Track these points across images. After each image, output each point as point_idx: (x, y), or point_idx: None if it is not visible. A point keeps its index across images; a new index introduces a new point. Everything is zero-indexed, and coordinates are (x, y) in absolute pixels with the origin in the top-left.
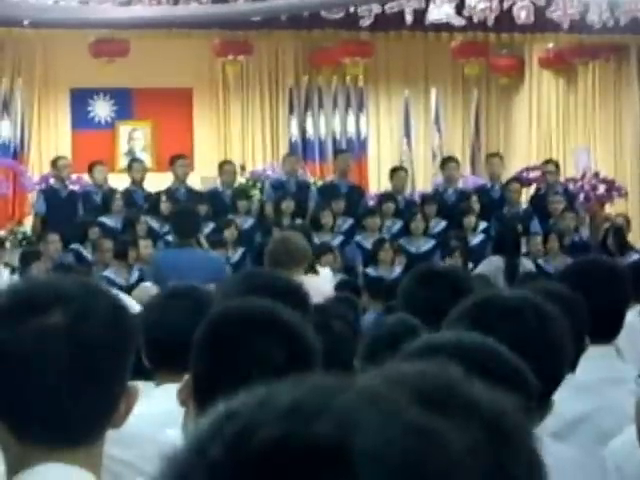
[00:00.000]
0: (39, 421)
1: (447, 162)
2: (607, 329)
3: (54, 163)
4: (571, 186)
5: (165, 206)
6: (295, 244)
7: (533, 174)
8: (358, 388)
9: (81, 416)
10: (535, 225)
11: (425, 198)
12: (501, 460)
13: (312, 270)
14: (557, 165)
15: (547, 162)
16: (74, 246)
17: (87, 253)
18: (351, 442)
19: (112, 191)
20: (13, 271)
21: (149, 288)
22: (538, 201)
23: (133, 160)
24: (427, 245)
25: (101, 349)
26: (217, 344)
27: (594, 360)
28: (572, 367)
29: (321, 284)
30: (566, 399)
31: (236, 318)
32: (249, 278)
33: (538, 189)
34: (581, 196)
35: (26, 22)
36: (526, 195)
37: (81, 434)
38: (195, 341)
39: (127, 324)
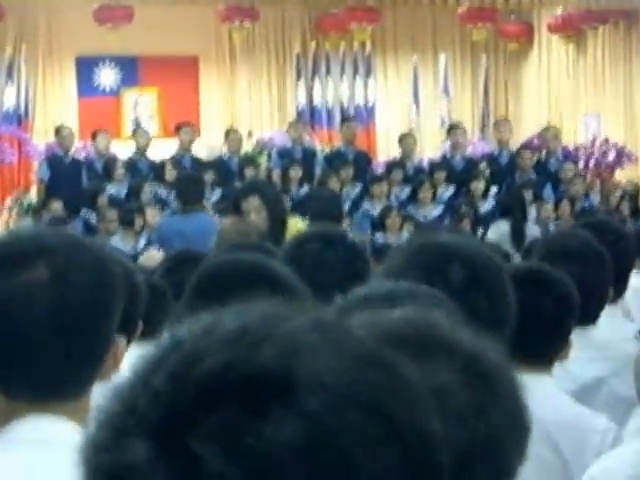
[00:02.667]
0: (25, 375)
1: (453, 129)
2: (613, 289)
3: (57, 132)
4: (581, 152)
5: (170, 174)
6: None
7: (537, 141)
8: (306, 316)
9: (67, 370)
10: (547, 191)
11: (433, 165)
12: (481, 403)
13: None
14: (556, 131)
15: (547, 129)
16: (83, 213)
17: (95, 220)
18: (295, 370)
19: (113, 159)
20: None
21: (155, 254)
22: (541, 167)
23: (137, 127)
24: (435, 212)
25: (86, 302)
26: (205, 296)
27: (602, 319)
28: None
29: None
30: (582, 360)
31: (224, 271)
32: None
33: (539, 155)
34: (591, 162)
35: None
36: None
37: (68, 388)
38: (185, 294)
39: (112, 277)
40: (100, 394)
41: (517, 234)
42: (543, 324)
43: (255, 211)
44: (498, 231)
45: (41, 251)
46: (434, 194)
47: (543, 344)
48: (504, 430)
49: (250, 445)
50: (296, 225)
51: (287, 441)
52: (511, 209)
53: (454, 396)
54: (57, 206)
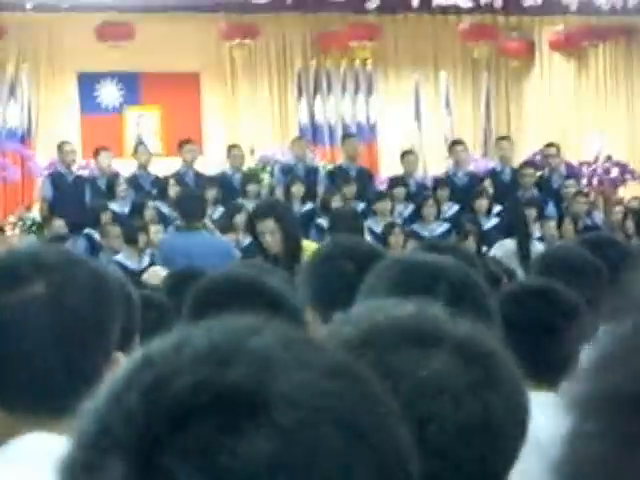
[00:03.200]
0: (23, 390)
1: (454, 145)
2: None
3: (59, 148)
4: (584, 169)
5: (173, 190)
6: None
7: (539, 158)
8: (273, 329)
9: (65, 385)
10: (550, 209)
11: (437, 182)
12: (476, 384)
13: None
14: (558, 148)
15: (548, 145)
16: (87, 231)
17: (99, 237)
18: (267, 386)
19: (116, 176)
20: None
21: (159, 271)
22: (543, 185)
23: (138, 144)
24: (440, 229)
25: (83, 318)
26: (201, 312)
27: None
28: None
29: None
30: None
31: (220, 287)
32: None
33: (542, 173)
34: (594, 179)
35: (29, 6)
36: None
37: (65, 403)
38: (183, 310)
39: (109, 293)
40: None
41: (523, 251)
42: (553, 341)
43: (270, 233)
44: (503, 248)
45: (39, 268)
46: (438, 211)
47: (552, 361)
48: (501, 410)
49: (224, 463)
50: (310, 248)
51: (261, 457)
52: (516, 226)
53: (450, 379)
54: (59, 224)
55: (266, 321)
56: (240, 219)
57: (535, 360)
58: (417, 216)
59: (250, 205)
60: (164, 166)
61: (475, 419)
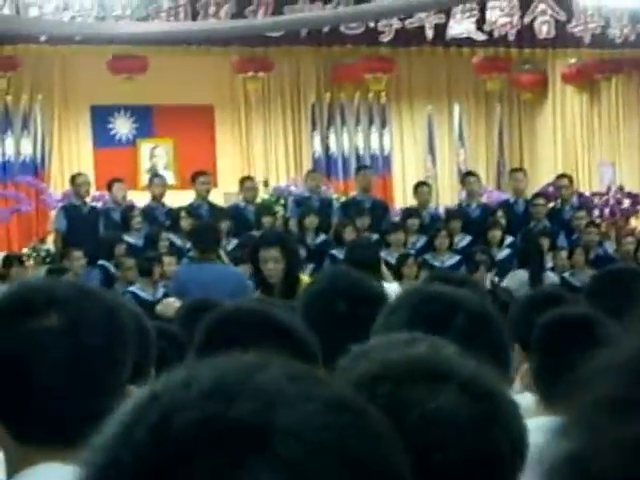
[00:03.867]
0: (36, 422)
1: (467, 177)
2: None
3: (73, 180)
4: (596, 200)
5: (186, 222)
6: None
7: (551, 189)
8: (279, 365)
9: (78, 417)
10: (561, 240)
11: (450, 214)
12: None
13: None
14: (571, 179)
15: (561, 177)
16: (101, 262)
17: (114, 269)
18: (271, 420)
19: (130, 208)
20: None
21: (173, 302)
22: (555, 215)
23: (154, 176)
24: (452, 260)
25: (96, 350)
26: (213, 344)
27: None
28: None
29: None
30: None
31: (231, 319)
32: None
33: (554, 204)
34: (606, 210)
35: (43, 38)
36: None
37: (78, 435)
38: (194, 344)
39: (122, 326)
40: None
41: (536, 282)
42: None
43: (274, 261)
44: (516, 279)
45: (52, 301)
46: (450, 242)
47: None
48: (503, 443)
49: None
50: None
51: None
52: (530, 257)
53: (455, 412)
54: (78, 255)
55: (273, 356)
56: None
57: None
58: (430, 247)
59: None
60: (177, 198)
61: (478, 450)
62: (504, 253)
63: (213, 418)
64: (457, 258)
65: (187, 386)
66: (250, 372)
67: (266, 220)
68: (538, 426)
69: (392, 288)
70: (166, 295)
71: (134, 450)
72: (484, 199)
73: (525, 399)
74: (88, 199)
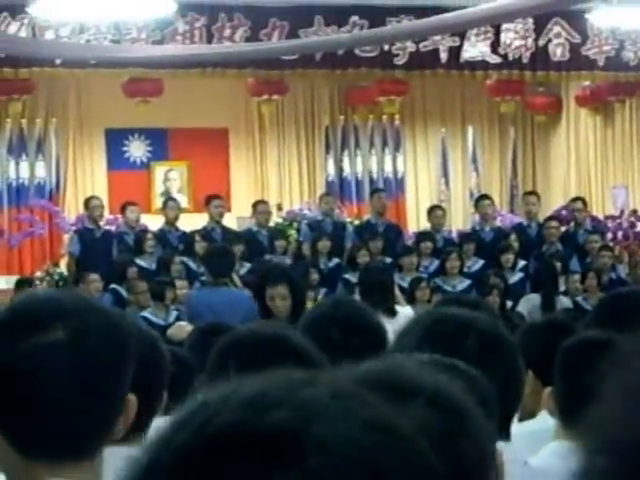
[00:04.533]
0: (41, 437)
1: (480, 200)
2: None
3: (86, 203)
4: (609, 224)
5: (200, 246)
6: None
7: (565, 212)
8: (324, 383)
9: (82, 431)
10: (574, 263)
11: (463, 237)
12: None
13: (390, 312)
14: (585, 202)
15: (574, 200)
16: (113, 286)
17: (126, 293)
18: (305, 431)
19: (144, 232)
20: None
21: (185, 326)
22: (569, 239)
23: (168, 199)
24: (463, 284)
25: (102, 362)
26: (225, 367)
27: None
28: None
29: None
30: None
31: (244, 342)
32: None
33: (568, 227)
34: (619, 233)
35: (58, 61)
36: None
37: (82, 449)
38: (207, 365)
39: (125, 339)
40: (121, 456)
41: (548, 306)
42: None
43: (281, 298)
44: (529, 303)
45: (58, 314)
46: (461, 266)
47: None
48: (474, 457)
49: None
50: None
51: None
52: (544, 280)
53: (425, 426)
54: (94, 278)
55: (320, 375)
56: None
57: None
58: (442, 271)
59: (277, 260)
60: (191, 222)
61: (446, 465)
62: (517, 277)
63: (247, 422)
64: (468, 282)
65: (232, 395)
66: (295, 386)
67: (279, 244)
68: (557, 450)
69: (405, 312)
70: (178, 319)
71: (173, 451)
72: (497, 222)
73: (546, 423)
74: (102, 222)
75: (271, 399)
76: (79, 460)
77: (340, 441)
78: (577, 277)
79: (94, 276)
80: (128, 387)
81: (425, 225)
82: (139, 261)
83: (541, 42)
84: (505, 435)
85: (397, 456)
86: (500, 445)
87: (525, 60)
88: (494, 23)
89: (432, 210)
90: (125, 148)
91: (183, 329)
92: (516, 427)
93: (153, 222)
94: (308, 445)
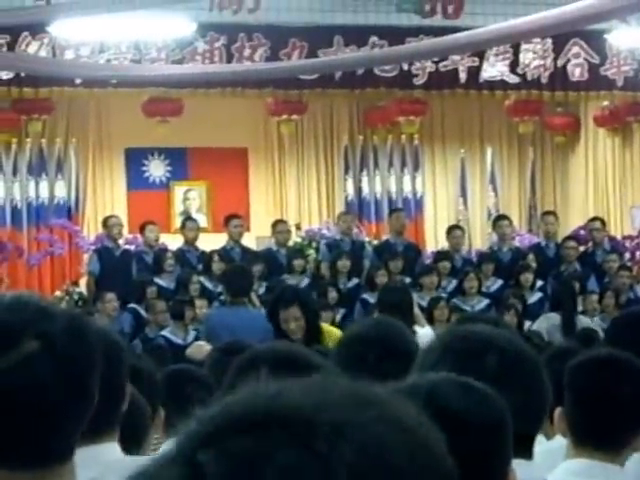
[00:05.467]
0: (27, 447)
1: (499, 220)
2: None
3: (105, 222)
4: (627, 244)
5: (217, 266)
6: None
7: (583, 232)
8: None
9: (66, 435)
10: (592, 283)
11: (482, 257)
12: None
13: None
14: (603, 222)
15: (592, 220)
16: (132, 305)
17: (145, 313)
18: (318, 415)
19: (163, 251)
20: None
21: (203, 346)
22: (587, 259)
23: (187, 219)
24: (481, 304)
25: (76, 366)
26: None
27: None
28: None
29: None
30: None
31: (262, 359)
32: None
33: (586, 247)
34: (637, 253)
35: (78, 81)
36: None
37: (65, 453)
38: (223, 384)
39: (90, 336)
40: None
41: (568, 325)
42: (619, 412)
43: (294, 320)
44: (548, 322)
45: (23, 323)
46: (479, 285)
47: (617, 432)
48: None
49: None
50: (332, 332)
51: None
52: (563, 300)
53: None
54: (110, 297)
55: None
56: None
57: (603, 430)
58: (460, 290)
59: (295, 280)
60: (210, 241)
61: None
62: (535, 297)
63: (265, 405)
64: (486, 302)
65: (260, 390)
66: (331, 388)
67: (297, 263)
68: (571, 468)
69: (424, 332)
70: (197, 338)
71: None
72: (515, 242)
73: (558, 442)
74: (121, 241)
75: (296, 391)
76: (62, 464)
77: (352, 428)
78: (595, 297)
79: (111, 295)
80: (97, 389)
81: (444, 245)
82: (158, 280)
83: (560, 62)
84: (525, 454)
85: (413, 453)
86: (520, 463)
87: (544, 80)
88: (511, 42)
89: (451, 230)
90: (144, 168)
91: (202, 348)
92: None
93: (172, 242)
94: (320, 431)
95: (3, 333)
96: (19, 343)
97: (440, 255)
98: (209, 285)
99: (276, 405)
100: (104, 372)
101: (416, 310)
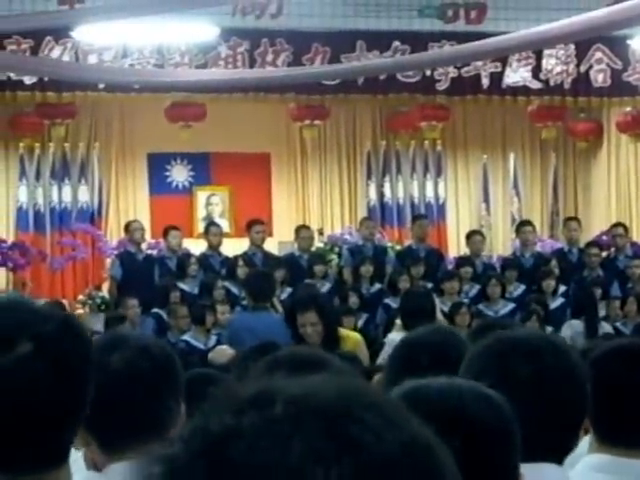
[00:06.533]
0: (24, 451)
1: (522, 226)
2: None
3: (127, 227)
4: None
5: (242, 271)
6: None
7: (606, 238)
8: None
9: (63, 438)
10: (614, 289)
11: (505, 263)
12: None
13: None
14: (626, 228)
15: (615, 225)
16: (155, 310)
17: (167, 317)
18: (348, 410)
19: (187, 256)
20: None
21: (225, 350)
22: (609, 264)
23: (210, 224)
24: (505, 309)
25: (70, 367)
26: None
27: None
28: None
29: None
30: None
31: (283, 362)
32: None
33: (608, 252)
34: None
35: (101, 86)
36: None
37: (62, 455)
38: None
39: (83, 339)
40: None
41: (591, 332)
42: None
43: (311, 325)
44: (572, 329)
45: (18, 326)
46: (502, 291)
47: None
48: None
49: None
50: (350, 336)
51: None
52: (585, 306)
53: None
54: (133, 303)
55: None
56: None
57: (627, 425)
58: (483, 296)
59: (317, 285)
60: (232, 246)
61: None
62: (557, 302)
63: (276, 390)
64: (511, 307)
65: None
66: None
67: (318, 269)
68: (592, 464)
69: (392, 337)
70: (218, 343)
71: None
72: (538, 248)
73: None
74: (143, 246)
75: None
76: (59, 467)
77: (376, 437)
78: (618, 303)
79: (133, 301)
80: (91, 391)
81: (465, 250)
82: (182, 285)
83: (582, 68)
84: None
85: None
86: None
87: (567, 86)
88: (536, 49)
89: (471, 235)
90: (167, 173)
91: (224, 352)
92: None
93: (194, 247)
94: (349, 417)
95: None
96: (13, 345)
97: (462, 260)
98: (234, 290)
99: (303, 394)
100: (161, 387)
101: (439, 315)
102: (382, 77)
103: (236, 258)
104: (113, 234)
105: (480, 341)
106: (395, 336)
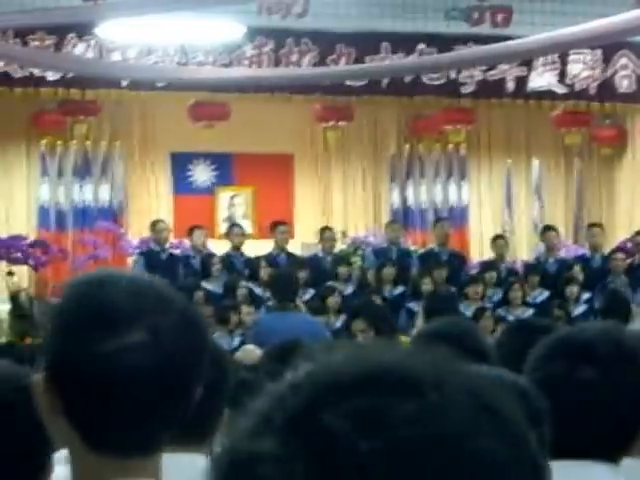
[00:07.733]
0: (116, 435)
1: (546, 231)
2: None
3: (153, 226)
4: None
5: (265, 272)
6: None
7: (629, 245)
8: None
9: (156, 430)
10: (638, 296)
11: (528, 268)
12: None
13: None
14: None
15: (639, 233)
16: None
17: None
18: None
19: (211, 255)
20: None
21: (253, 350)
22: (634, 271)
23: (233, 225)
24: (526, 314)
25: (180, 362)
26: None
27: None
28: None
29: None
30: None
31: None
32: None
33: (632, 259)
34: None
35: (124, 83)
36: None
37: (151, 448)
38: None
39: (200, 334)
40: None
41: None
42: None
43: (361, 332)
44: None
45: (137, 313)
46: (524, 296)
47: None
48: None
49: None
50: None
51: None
52: (613, 312)
53: None
54: None
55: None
56: (332, 301)
57: None
58: (505, 301)
59: (340, 287)
60: (254, 247)
61: None
62: (581, 309)
63: (374, 371)
64: (530, 312)
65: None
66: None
67: (342, 270)
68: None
69: None
70: (243, 343)
71: (292, 390)
72: (561, 253)
73: None
74: (167, 245)
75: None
76: (146, 459)
77: (460, 391)
78: None
79: None
80: (202, 378)
81: (488, 254)
82: (206, 285)
83: (608, 73)
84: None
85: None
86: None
87: (592, 91)
88: (561, 52)
89: (495, 240)
90: (190, 172)
91: (251, 353)
92: None
93: (216, 247)
94: (427, 387)
95: (116, 318)
96: (129, 331)
97: (487, 265)
98: (257, 291)
99: (384, 363)
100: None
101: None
102: (407, 79)
103: (258, 259)
104: (134, 233)
105: (544, 340)
106: None
